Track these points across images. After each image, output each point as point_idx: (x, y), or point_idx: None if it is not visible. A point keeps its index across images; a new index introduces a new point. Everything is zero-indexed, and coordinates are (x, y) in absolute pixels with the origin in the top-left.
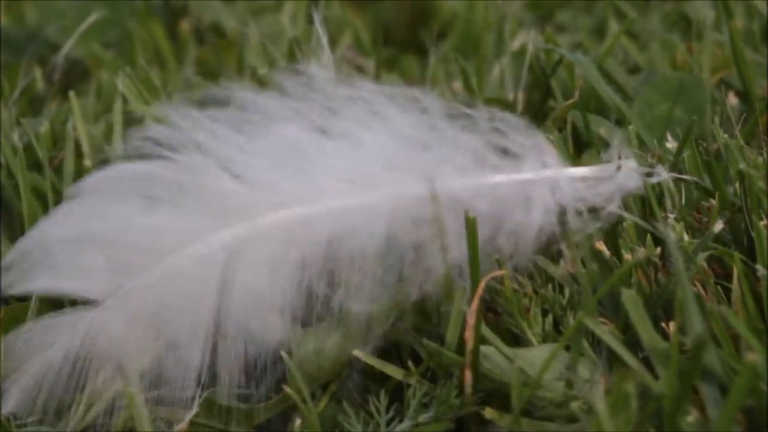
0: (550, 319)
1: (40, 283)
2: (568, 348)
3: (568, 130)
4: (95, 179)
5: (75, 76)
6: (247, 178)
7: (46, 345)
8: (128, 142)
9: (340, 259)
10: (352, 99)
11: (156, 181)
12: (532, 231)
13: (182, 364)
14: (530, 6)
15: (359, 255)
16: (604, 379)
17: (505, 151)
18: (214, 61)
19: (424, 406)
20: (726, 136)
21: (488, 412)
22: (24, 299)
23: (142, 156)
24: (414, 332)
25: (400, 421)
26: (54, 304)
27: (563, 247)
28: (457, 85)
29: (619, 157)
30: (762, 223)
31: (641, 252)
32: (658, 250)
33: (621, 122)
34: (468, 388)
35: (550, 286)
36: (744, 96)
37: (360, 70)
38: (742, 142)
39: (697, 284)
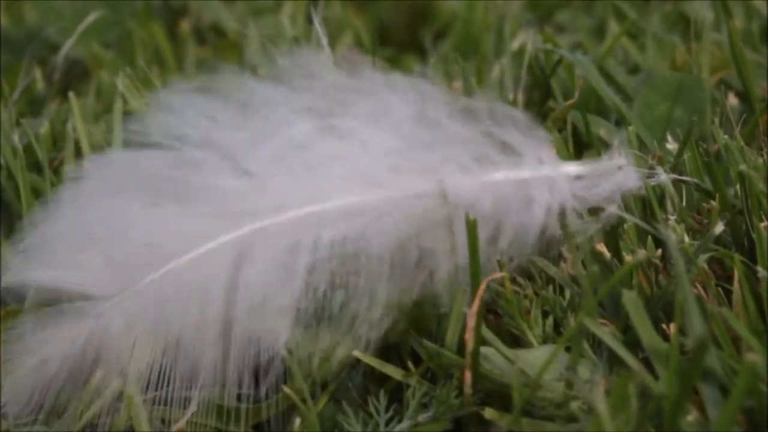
0: (550, 320)
1: (40, 276)
2: (568, 349)
3: (568, 130)
4: (97, 167)
5: (75, 77)
6: (252, 174)
7: (46, 343)
8: (132, 128)
9: (347, 260)
10: (358, 92)
11: (159, 175)
12: (534, 230)
13: (189, 366)
14: (530, 6)
15: (366, 255)
16: (605, 379)
17: (506, 148)
18: (214, 61)
19: (424, 407)
20: (726, 137)
21: (488, 413)
22: (23, 299)
23: (144, 145)
24: (414, 333)
25: (400, 421)
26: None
27: (564, 248)
28: (457, 85)
29: (619, 157)
30: (762, 224)
31: (642, 253)
32: (659, 251)
33: (621, 123)
34: (468, 389)
35: (550, 287)
36: (744, 96)
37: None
38: (742, 143)
39: (698, 286)
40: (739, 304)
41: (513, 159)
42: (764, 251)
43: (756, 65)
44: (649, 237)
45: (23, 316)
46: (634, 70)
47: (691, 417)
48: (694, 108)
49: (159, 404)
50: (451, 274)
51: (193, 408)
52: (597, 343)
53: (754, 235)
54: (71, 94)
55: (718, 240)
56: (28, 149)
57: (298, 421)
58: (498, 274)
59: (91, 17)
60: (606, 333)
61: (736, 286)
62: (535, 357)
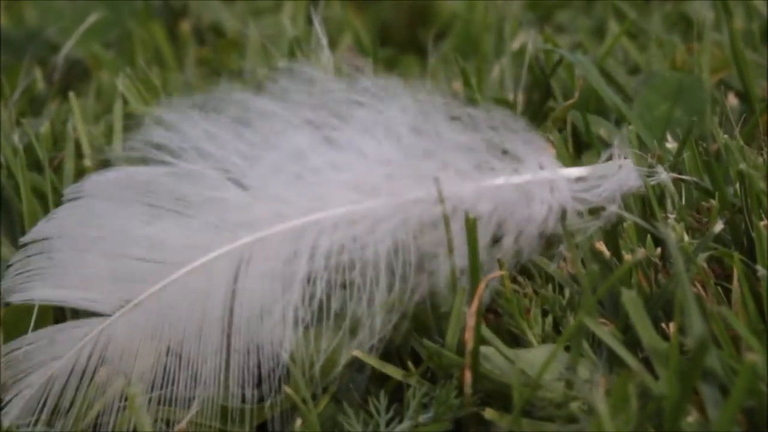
0: (550, 319)
1: (43, 293)
2: (568, 348)
3: (568, 130)
4: (96, 182)
5: (75, 77)
6: (251, 187)
7: (52, 358)
8: (129, 144)
9: (347, 268)
10: (355, 101)
11: (159, 189)
12: (534, 232)
13: (192, 377)
14: (530, 6)
15: (365, 263)
16: (604, 379)
17: (504, 153)
18: (214, 62)
19: (424, 407)
20: (726, 136)
21: (488, 413)
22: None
23: (144, 160)
24: (414, 333)
25: (400, 421)
26: (56, 308)
27: (563, 248)
28: (457, 85)
29: (619, 157)
30: (762, 223)
31: (641, 252)
32: (658, 250)
33: (621, 123)
34: (468, 389)
35: (550, 286)
36: (744, 96)
37: (360, 70)
38: (742, 142)
39: (698, 285)
40: (739, 304)
41: (513, 164)
42: (764, 250)
43: (756, 65)
44: (649, 236)
45: (28, 336)
46: (634, 70)
47: (692, 417)
48: (694, 108)
49: (161, 404)
50: (450, 276)
51: (195, 408)
52: (597, 343)
53: (753, 234)
54: (71, 94)
55: (718, 239)
56: (29, 149)
57: (299, 421)
58: (497, 273)
59: (92, 18)
60: (606, 332)
61: (735, 285)
62: (535, 357)
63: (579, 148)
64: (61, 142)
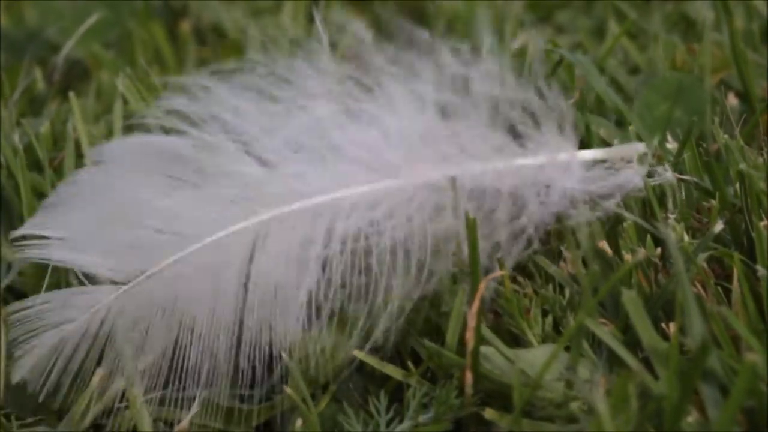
0: (550, 319)
1: (60, 254)
2: (568, 348)
3: None
4: (117, 148)
5: (75, 77)
6: (270, 162)
7: (64, 320)
8: (152, 111)
9: (362, 250)
10: (385, 71)
11: (178, 160)
12: (546, 214)
13: (202, 350)
14: (530, 6)
15: (380, 246)
16: (605, 379)
17: (523, 134)
18: (215, 62)
19: (424, 407)
20: (726, 136)
21: (488, 413)
22: (24, 298)
23: (165, 129)
24: (414, 332)
25: (400, 421)
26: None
27: (564, 247)
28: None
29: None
30: (762, 223)
31: (641, 252)
32: (658, 250)
33: (621, 123)
34: (468, 389)
35: (550, 286)
36: (744, 96)
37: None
38: (742, 142)
39: (698, 285)
40: (739, 303)
41: (531, 145)
42: (764, 250)
43: (756, 65)
44: (649, 236)
45: (38, 296)
46: (634, 70)
47: (692, 417)
48: (694, 108)
49: (162, 405)
50: (464, 266)
51: (195, 408)
52: (597, 343)
53: (753, 234)
54: (71, 94)
55: (718, 239)
56: (29, 149)
57: (299, 421)
58: (497, 273)
59: (92, 18)
60: (606, 332)
61: (735, 285)
62: (535, 357)
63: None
64: (61, 142)
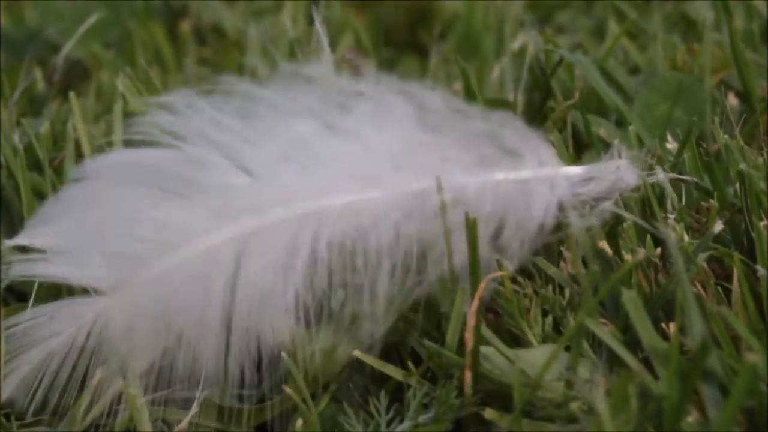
0: (550, 319)
1: (45, 269)
2: (568, 349)
3: (569, 130)
4: (100, 164)
5: (75, 77)
6: (256, 173)
7: (51, 334)
8: (135, 128)
9: (348, 257)
10: (359, 94)
11: (163, 172)
12: (534, 227)
13: (191, 358)
14: (530, 7)
15: (367, 252)
16: (605, 379)
17: (505, 150)
18: (215, 62)
19: (424, 407)
20: (726, 136)
21: (488, 413)
22: (24, 299)
23: (148, 143)
24: (414, 332)
25: (401, 421)
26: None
27: (563, 247)
28: (458, 86)
29: (619, 156)
30: (762, 223)
31: (641, 252)
32: (658, 250)
33: (621, 123)
34: (468, 389)
35: (550, 286)
36: (744, 97)
37: (360, 71)
38: (742, 142)
39: (698, 285)
40: (739, 303)
41: (514, 160)
42: (764, 250)
43: (756, 65)
44: (649, 236)
45: (27, 311)
46: (634, 70)
47: (692, 417)
48: (694, 108)
49: (161, 405)
50: (450, 272)
51: (195, 409)
52: (597, 343)
53: (753, 234)
54: (72, 95)
55: (718, 239)
56: (29, 149)
57: (299, 421)
58: (497, 273)
59: (92, 18)
60: (606, 333)
61: (735, 285)
62: (535, 357)
63: (579, 148)
64: (61, 142)
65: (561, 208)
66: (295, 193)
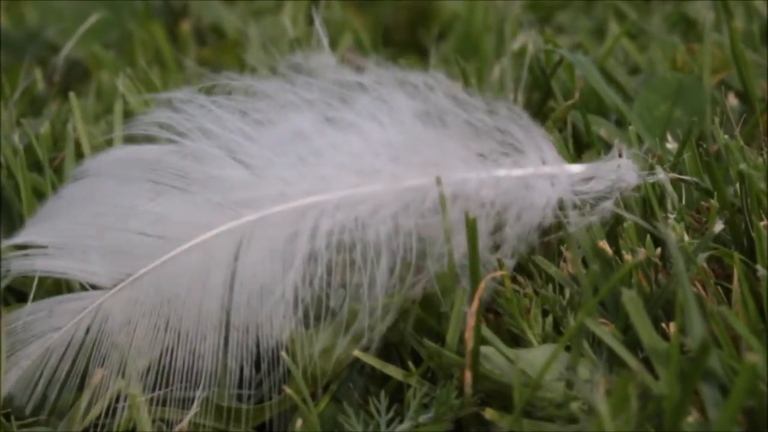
0: (550, 319)
1: (44, 264)
2: (568, 349)
3: (569, 130)
4: (99, 161)
5: (75, 77)
6: (254, 167)
7: (50, 329)
8: (135, 125)
9: (348, 251)
10: (360, 86)
11: (162, 167)
12: (533, 224)
13: (191, 353)
14: (530, 7)
15: (363, 245)
16: (605, 379)
17: (508, 145)
18: (215, 62)
19: (425, 407)
20: (726, 136)
21: (488, 413)
22: (24, 299)
23: (148, 139)
24: (414, 332)
25: (401, 421)
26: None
27: (563, 247)
28: (458, 86)
29: (620, 155)
30: (762, 223)
31: (641, 253)
32: (659, 250)
33: (621, 123)
34: (468, 389)
35: (550, 286)
36: (744, 97)
37: (360, 71)
38: (742, 142)
39: (698, 285)
40: (739, 303)
41: (515, 156)
42: (764, 250)
43: (756, 65)
44: (649, 236)
45: (27, 307)
46: (634, 70)
47: (692, 417)
48: (694, 108)
49: (161, 405)
50: (449, 268)
51: (195, 408)
52: (597, 343)
53: (753, 234)
54: (72, 95)
55: (718, 239)
56: (29, 149)
57: (299, 421)
58: (497, 273)
59: (92, 18)
60: (606, 332)
61: (735, 285)
62: (535, 357)
63: (579, 148)
64: (61, 142)
65: (561, 206)
66: (293, 186)
